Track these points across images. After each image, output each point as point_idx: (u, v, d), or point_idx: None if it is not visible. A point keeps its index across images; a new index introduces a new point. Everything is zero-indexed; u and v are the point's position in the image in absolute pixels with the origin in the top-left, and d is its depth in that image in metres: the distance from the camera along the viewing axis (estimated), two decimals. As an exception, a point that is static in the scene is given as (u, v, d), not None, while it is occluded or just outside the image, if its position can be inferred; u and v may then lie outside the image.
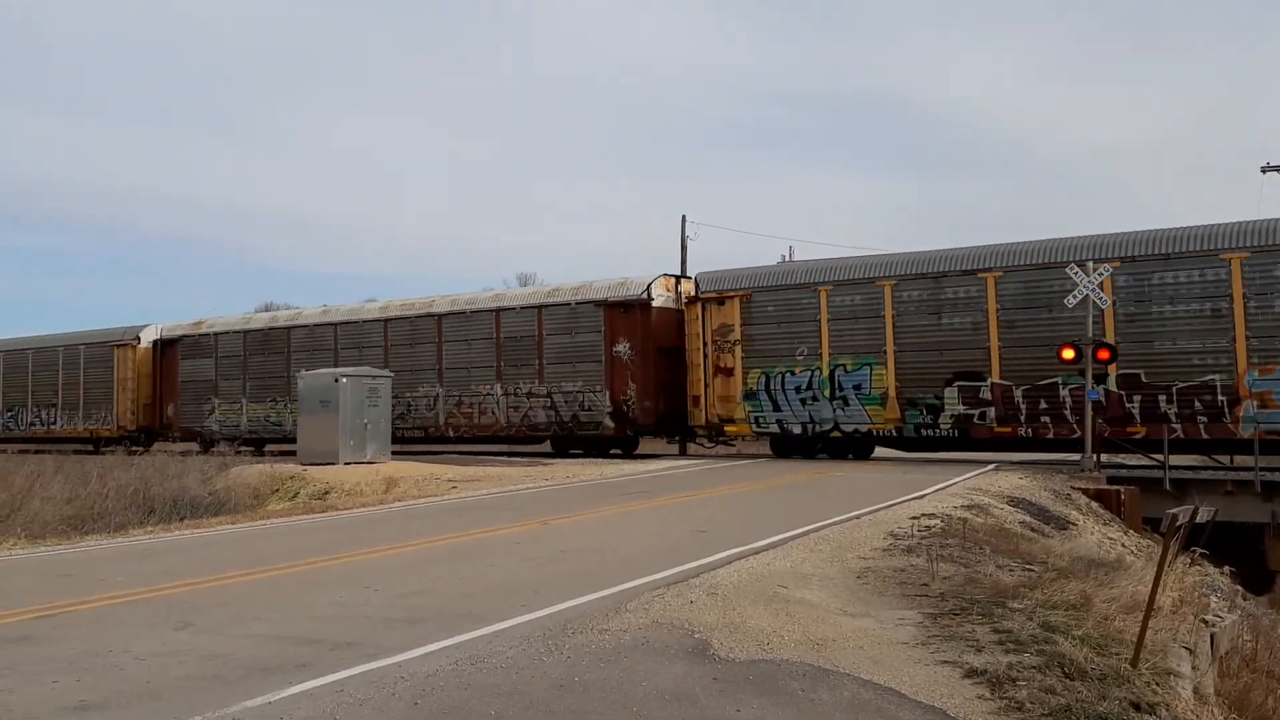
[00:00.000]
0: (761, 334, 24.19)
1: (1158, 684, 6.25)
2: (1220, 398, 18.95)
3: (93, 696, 5.60)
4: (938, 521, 11.77)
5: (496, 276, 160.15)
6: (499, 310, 28.28)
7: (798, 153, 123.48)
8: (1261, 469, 18.08)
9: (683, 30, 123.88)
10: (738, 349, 24.41)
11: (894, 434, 22.63)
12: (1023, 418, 20.84)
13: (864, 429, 22.85)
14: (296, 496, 20.31)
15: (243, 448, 29.72)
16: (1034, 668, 5.97)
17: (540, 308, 27.44)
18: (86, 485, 19.91)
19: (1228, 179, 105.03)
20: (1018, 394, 20.85)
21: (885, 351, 22.48)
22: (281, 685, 5.66)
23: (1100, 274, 19.00)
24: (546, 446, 27.99)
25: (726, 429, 24.83)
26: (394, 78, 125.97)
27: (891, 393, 22.36)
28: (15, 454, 28.57)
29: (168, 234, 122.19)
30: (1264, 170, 31.38)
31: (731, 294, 24.57)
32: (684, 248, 40.69)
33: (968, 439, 21.75)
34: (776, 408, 23.87)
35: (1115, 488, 17.53)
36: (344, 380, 23.76)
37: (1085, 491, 17.03)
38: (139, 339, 35.46)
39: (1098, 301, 19.06)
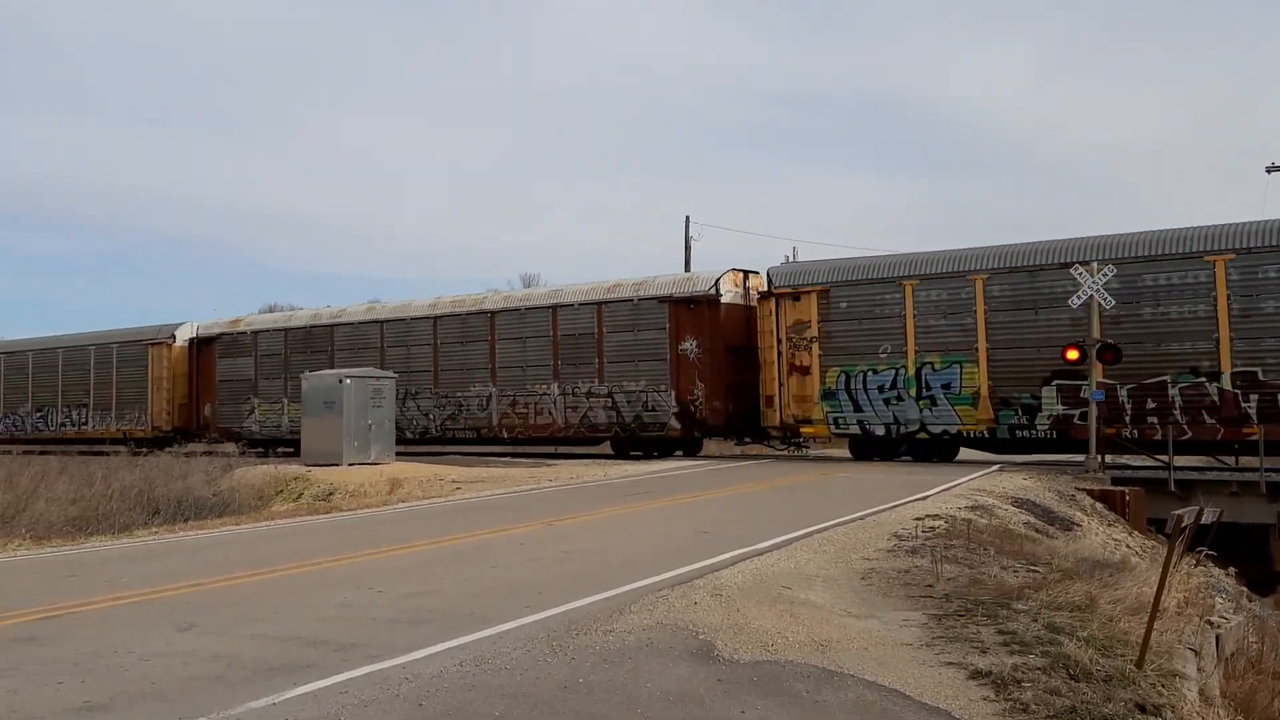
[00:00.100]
0: (841, 330, 23.13)
1: (1163, 685, 6.25)
2: None
3: (97, 697, 5.62)
4: (942, 522, 11.76)
5: (498, 276, 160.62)
6: (556, 306, 27.21)
7: (798, 153, 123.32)
8: (1268, 470, 18.00)
9: (683, 30, 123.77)
10: (815, 346, 23.36)
11: (985, 435, 21.61)
12: (1128, 418, 19.81)
13: (953, 430, 21.82)
14: (301, 497, 20.34)
15: (283, 449, 29.05)
16: (1039, 669, 5.97)
17: (600, 304, 26.40)
18: (91, 486, 19.92)
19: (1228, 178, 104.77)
20: (1122, 393, 19.82)
21: (977, 349, 21.43)
22: (286, 686, 5.67)
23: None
24: (606, 448, 27.17)
25: (803, 430, 23.82)
26: (394, 78, 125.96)
27: (984, 392, 21.34)
28: (39, 454, 28.25)
29: (168, 234, 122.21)
30: (1269, 170, 31.37)
31: (807, 289, 23.56)
32: (688, 248, 40.78)
33: (1067, 440, 20.65)
34: (858, 408, 22.83)
35: (1120, 489, 17.47)
36: (348, 381, 23.78)
37: (1090, 492, 16.98)
38: (174, 337, 34.73)
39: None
